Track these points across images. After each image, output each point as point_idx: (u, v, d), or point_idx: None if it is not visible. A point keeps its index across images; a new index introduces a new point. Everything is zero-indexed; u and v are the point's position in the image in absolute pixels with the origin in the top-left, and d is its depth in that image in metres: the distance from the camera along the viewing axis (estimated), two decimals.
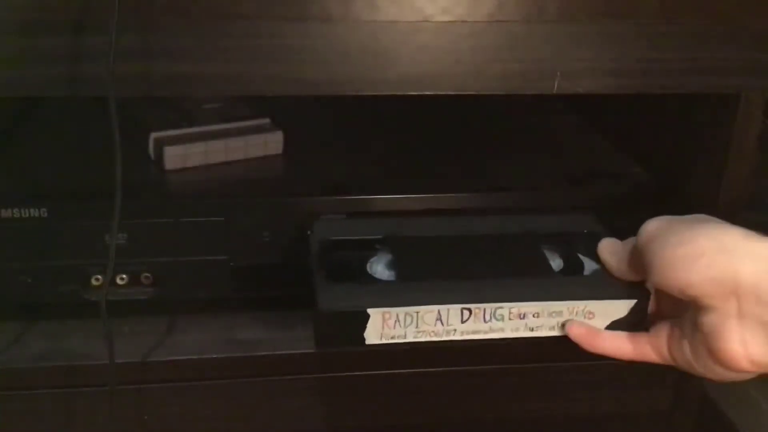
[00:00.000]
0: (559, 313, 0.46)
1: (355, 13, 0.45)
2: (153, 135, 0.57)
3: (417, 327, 0.45)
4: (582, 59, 0.47)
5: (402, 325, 0.45)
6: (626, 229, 0.46)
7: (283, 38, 0.44)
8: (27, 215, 0.49)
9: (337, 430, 0.55)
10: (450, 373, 0.54)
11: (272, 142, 0.59)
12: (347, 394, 0.54)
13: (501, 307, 0.46)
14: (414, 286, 0.46)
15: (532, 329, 0.47)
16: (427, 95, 0.47)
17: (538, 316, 0.47)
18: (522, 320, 0.46)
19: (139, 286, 0.52)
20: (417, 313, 0.45)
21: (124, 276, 0.52)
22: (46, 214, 0.50)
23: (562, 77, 0.48)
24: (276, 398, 0.53)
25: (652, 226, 0.45)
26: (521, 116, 0.72)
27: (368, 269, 0.48)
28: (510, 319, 0.46)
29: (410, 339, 0.45)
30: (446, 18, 0.45)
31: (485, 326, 0.46)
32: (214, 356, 0.51)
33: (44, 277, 0.51)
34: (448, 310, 0.45)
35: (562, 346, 0.54)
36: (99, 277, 0.51)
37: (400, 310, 0.44)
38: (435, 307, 0.45)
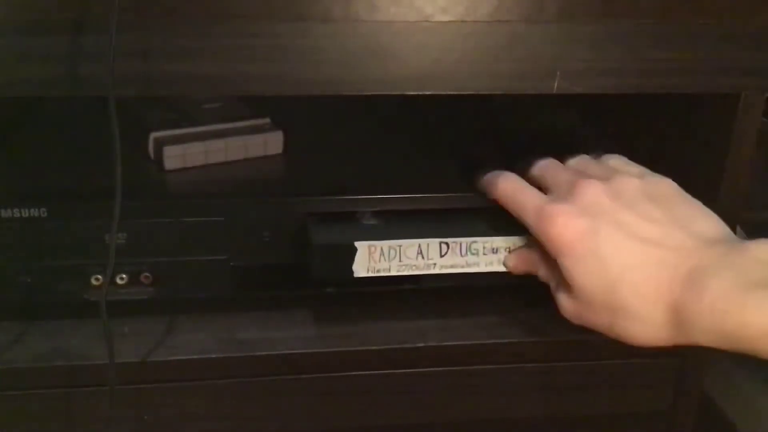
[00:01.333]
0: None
1: (355, 13, 0.45)
2: (153, 135, 0.57)
3: (400, 260, 0.50)
4: (582, 59, 0.48)
5: (387, 258, 0.50)
6: None
7: (283, 38, 0.44)
8: (27, 215, 0.49)
9: (337, 430, 0.55)
10: (449, 373, 0.54)
11: (272, 142, 0.59)
12: (347, 394, 0.54)
13: (475, 242, 0.51)
14: (397, 225, 0.51)
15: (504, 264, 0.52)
16: (427, 95, 0.47)
17: (509, 251, 0.51)
18: (495, 255, 0.51)
19: (139, 286, 0.52)
20: (400, 246, 0.50)
21: (124, 276, 0.52)
22: (46, 214, 0.50)
23: (562, 77, 0.48)
24: (276, 398, 0.53)
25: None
26: (521, 116, 0.72)
27: (358, 218, 0.52)
28: (484, 253, 0.51)
29: (394, 272, 0.50)
30: (446, 18, 0.45)
31: (462, 260, 0.51)
32: (214, 356, 0.51)
33: (44, 277, 0.51)
34: (428, 244, 0.50)
35: (562, 346, 0.55)
36: (99, 277, 0.51)
37: (384, 244, 0.49)
38: (416, 241, 0.50)
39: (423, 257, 0.50)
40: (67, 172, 0.55)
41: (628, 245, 0.44)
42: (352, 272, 0.50)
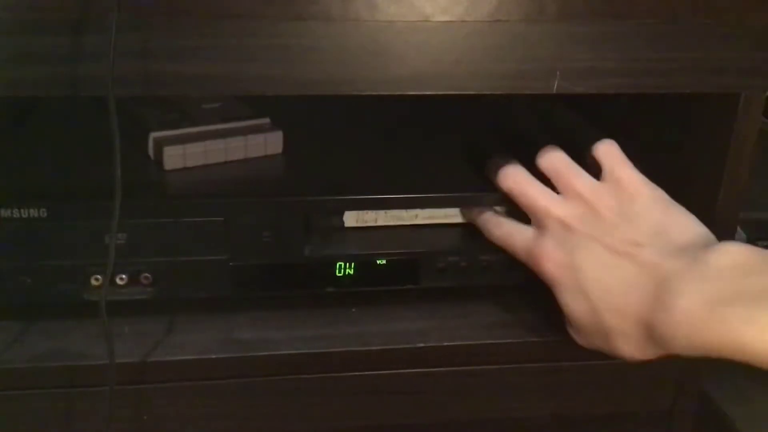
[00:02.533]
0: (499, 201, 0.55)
1: (355, 12, 0.45)
2: (153, 135, 0.57)
3: (386, 213, 0.55)
4: (582, 59, 0.48)
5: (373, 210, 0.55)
6: None
7: (283, 38, 0.44)
8: (27, 215, 0.49)
9: (337, 430, 0.55)
10: (450, 374, 0.54)
11: (272, 142, 0.59)
12: (347, 394, 0.54)
13: None
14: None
15: None
16: (427, 95, 0.47)
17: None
18: None
19: (138, 286, 0.52)
20: None
21: (124, 276, 0.52)
22: (46, 214, 0.50)
23: (562, 77, 0.48)
24: (276, 398, 0.53)
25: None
26: (521, 115, 0.72)
27: None
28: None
29: (381, 222, 0.56)
30: (446, 18, 0.45)
31: (441, 212, 0.56)
32: (214, 356, 0.51)
33: (44, 277, 0.51)
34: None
35: (562, 346, 0.55)
36: (99, 277, 0.51)
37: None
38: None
39: (406, 210, 0.55)
40: (67, 172, 0.55)
41: (604, 262, 0.47)
42: (343, 223, 0.55)
